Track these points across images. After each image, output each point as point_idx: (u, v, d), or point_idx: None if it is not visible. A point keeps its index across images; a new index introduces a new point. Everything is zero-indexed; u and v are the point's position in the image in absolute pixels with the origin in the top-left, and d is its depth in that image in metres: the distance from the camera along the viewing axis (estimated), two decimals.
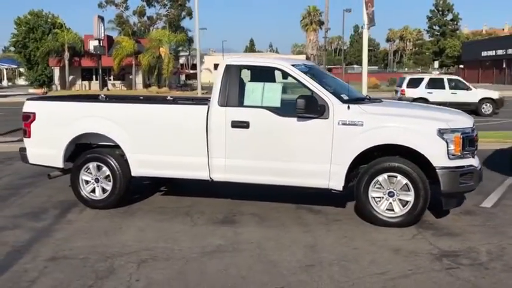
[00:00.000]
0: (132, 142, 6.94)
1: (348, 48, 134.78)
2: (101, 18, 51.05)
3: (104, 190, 7.15)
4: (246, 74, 6.88)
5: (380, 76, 60.85)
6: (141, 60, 52.00)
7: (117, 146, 7.14)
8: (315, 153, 6.30)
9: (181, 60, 70.72)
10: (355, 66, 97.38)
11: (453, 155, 6.00)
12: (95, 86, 53.44)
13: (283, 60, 6.80)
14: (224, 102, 6.57)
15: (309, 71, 6.75)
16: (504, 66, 56.03)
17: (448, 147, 5.97)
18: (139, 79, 54.40)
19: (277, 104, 6.46)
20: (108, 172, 7.07)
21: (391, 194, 6.14)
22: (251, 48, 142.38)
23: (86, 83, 54.72)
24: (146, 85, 54.25)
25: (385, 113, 6.37)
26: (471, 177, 6.10)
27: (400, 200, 6.13)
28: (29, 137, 7.42)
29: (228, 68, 6.67)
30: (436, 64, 54.75)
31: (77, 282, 4.67)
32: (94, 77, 54.97)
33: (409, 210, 6.08)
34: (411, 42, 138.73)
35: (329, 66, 73.06)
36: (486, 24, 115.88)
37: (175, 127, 6.80)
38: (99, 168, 7.13)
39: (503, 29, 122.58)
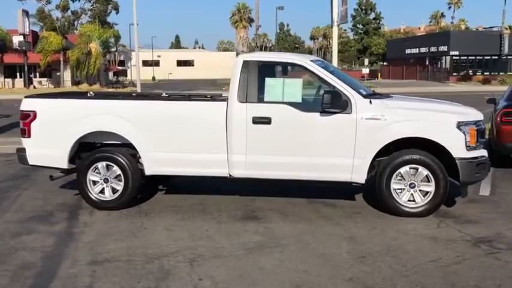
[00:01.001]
0: (146, 140, 6.75)
1: (273, 45, 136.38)
2: (26, 12, 48.70)
3: (113, 190, 6.90)
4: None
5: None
6: (69, 57, 50.15)
7: (126, 145, 6.93)
8: (338, 148, 6.42)
9: (108, 57, 68.80)
10: None
11: (469, 147, 6.33)
12: (19, 83, 51.01)
13: (302, 56, 6.87)
14: (244, 99, 6.55)
15: (325, 67, 6.86)
16: (427, 63, 59.01)
17: (465, 139, 6.28)
18: (67, 76, 52.44)
19: (299, 100, 6.52)
20: (119, 172, 6.84)
21: (412, 186, 6.38)
22: (177, 45, 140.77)
23: (9, 80, 52.03)
24: (75, 82, 52.42)
25: (406, 107, 6.61)
26: (483, 167, 6.46)
27: (420, 190, 6.37)
28: (29, 136, 7.02)
29: (246, 63, 6.65)
30: (366, 61, 56.81)
31: (138, 285, 4.52)
32: (18, 74, 52.38)
33: (430, 200, 6.34)
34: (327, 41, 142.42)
35: None
36: (404, 23, 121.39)
37: (193, 124, 6.70)
38: (108, 167, 6.88)
39: (419, 28, 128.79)
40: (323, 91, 6.35)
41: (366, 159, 6.38)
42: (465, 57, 55.05)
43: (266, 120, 6.47)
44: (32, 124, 6.98)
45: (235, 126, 6.53)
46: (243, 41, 77.72)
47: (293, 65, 6.84)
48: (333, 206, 7.05)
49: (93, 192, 6.92)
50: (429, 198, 6.35)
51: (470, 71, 53.88)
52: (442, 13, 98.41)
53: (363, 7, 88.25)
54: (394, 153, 6.43)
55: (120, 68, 70.93)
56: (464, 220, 6.31)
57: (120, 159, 6.83)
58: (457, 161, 6.25)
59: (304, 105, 6.49)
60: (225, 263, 5.00)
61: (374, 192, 6.64)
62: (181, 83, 61.00)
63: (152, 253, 5.29)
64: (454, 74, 53.98)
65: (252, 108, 6.51)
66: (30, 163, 7.14)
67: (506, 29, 60.06)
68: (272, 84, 6.65)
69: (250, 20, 77.37)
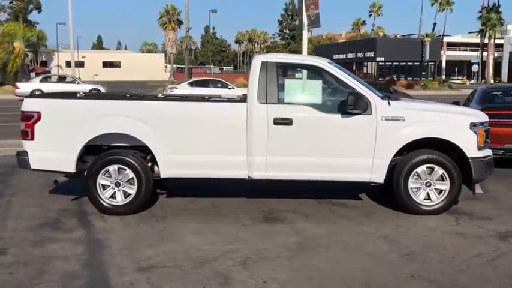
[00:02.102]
0: (163, 142, 6.55)
1: (199, 48, 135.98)
2: None
3: (125, 194, 6.64)
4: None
5: (232, 76, 62.54)
6: None
7: (135, 147, 6.69)
8: (359, 148, 6.54)
9: (30, 57, 65.60)
10: (211, 66, 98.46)
11: (479, 146, 6.66)
12: None
13: (319, 58, 6.93)
14: (264, 99, 6.52)
15: (341, 69, 6.97)
16: (354, 68, 61.01)
17: (477, 139, 6.61)
18: None
19: (319, 101, 6.59)
20: (131, 175, 6.58)
21: (428, 184, 6.61)
22: (99, 46, 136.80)
23: None
24: None
25: (422, 109, 6.85)
26: (491, 166, 6.82)
27: (436, 189, 6.62)
28: (32, 139, 6.60)
29: (265, 64, 6.62)
30: None
31: None
32: None
33: (445, 198, 6.61)
34: (259, 45, 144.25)
35: (189, 66, 73.00)
36: (326, 29, 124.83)
37: (212, 125, 6.58)
38: (120, 171, 6.60)
39: (340, 34, 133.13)
40: (347, 93, 6.43)
41: (385, 159, 6.54)
42: (390, 63, 57.54)
43: (287, 121, 6.47)
44: (36, 126, 6.57)
45: (256, 127, 6.49)
46: (172, 42, 76.81)
47: (312, 67, 6.87)
48: (344, 205, 7.16)
49: (104, 196, 6.62)
50: (444, 196, 6.61)
51: (395, 76, 56.37)
52: (363, 21, 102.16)
53: (290, 13, 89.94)
54: (410, 153, 6.63)
55: (44, 68, 67.82)
56: (478, 217, 6.62)
57: (133, 162, 6.58)
58: (470, 160, 6.55)
59: (324, 107, 6.56)
60: (279, 265, 4.95)
61: (381, 191, 6.81)
62: (109, 85, 59.20)
63: (196, 257, 5.14)
64: (380, 78, 56.20)
65: (273, 109, 6.50)
66: (32, 167, 6.70)
67: (426, 36, 63.38)
68: (292, 85, 6.69)
69: (179, 22, 76.57)
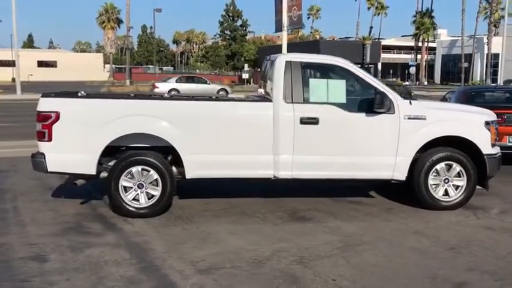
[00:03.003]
0: (189, 142, 6.43)
1: (135, 48, 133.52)
2: None
3: (148, 196, 6.47)
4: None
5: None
6: None
7: (156, 147, 6.55)
8: (383, 147, 6.70)
9: None
10: (150, 66, 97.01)
11: (492, 144, 6.98)
12: None
13: (341, 59, 7.02)
14: (290, 99, 6.54)
15: (361, 69, 7.09)
16: None
17: (490, 136, 6.92)
18: None
19: (343, 100, 6.68)
20: (156, 176, 6.42)
21: (446, 181, 6.86)
22: (30, 44, 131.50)
23: None
24: None
25: (440, 108, 7.11)
26: (500, 162, 7.16)
27: (453, 185, 6.88)
28: (49, 140, 6.30)
29: (289, 64, 6.64)
30: (246, 67, 58.07)
31: None
32: None
33: (462, 194, 6.87)
34: (197, 45, 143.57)
35: (130, 66, 71.61)
36: (264, 31, 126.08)
37: (238, 125, 6.53)
38: (143, 172, 6.43)
39: (278, 36, 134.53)
40: (374, 92, 6.56)
41: (407, 157, 6.73)
42: None
43: (314, 121, 6.53)
44: (54, 126, 6.28)
45: (283, 127, 6.50)
46: (111, 42, 75.04)
47: (335, 67, 6.95)
48: (360, 203, 7.30)
49: (126, 199, 6.41)
50: (461, 192, 6.87)
51: None
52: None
53: (230, 14, 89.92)
54: (429, 150, 6.83)
55: None
56: (493, 211, 6.95)
57: (157, 162, 6.42)
58: (485, 157, 6.85)
59: (348, 106, 6.66)
60: (336, 263, 4.99)
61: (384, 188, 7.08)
62: (45, 85, 57.08)
63: (249, 258, 5.09)
64: None
65: (299, 108, 6.53)
66: (49, 170, 6.39)
67: (363, 39, 65.27)
68: (316, 85, 6.74)
69: (119, 21, 74.94)
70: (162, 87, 33.96)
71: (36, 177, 8.70)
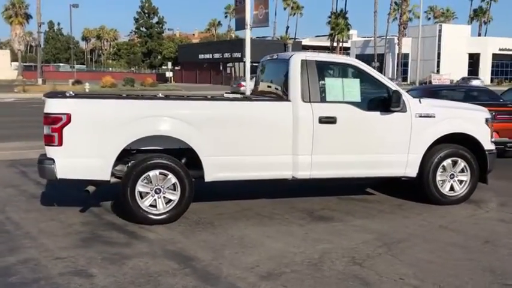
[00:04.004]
0: (208, 144, 6.20)
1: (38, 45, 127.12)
2: None
3: (165, 201, 6.17)
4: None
5: (97, 75, 60.20)
6: None
7: (170, 150, 6.27)
8: (397, 145, 6.82)
9: None
10: (61, 64, 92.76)
11: (490, 140, 7.33)
12: None
13: (351, 58, 7.05)
14: (308, 98, 6.49)
15: (372, 68, 7.17)
16: (221, 68, 61.91)
17: (490, 133, 7.26)
18: None
19: (358, 99, 6.73)
20: (174, 180, 6.12)
21: (451, 176, 7.11)
22: None
23: None
24: None
25: (445, 106, 7.34)
26: (496, 157, 7.53)
27: (458, 180, 7.14)
28: (60, 144, 5.83)
29: (305, 63, 6.59)
30: (169, 65, 56.94)
31: None
32: None
33: (466, 188, 7.15)
34: (108, 42, 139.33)
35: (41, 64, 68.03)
36: (178, 28, 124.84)
37: (257, 125, 6.39)
38: (162, 176, 6.12)
39: (193, 34, 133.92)
40: (388, 91, 6.66)
41: (418, 154, 6.90)
42: (256, 64, 59.14)
43: (332, 120, 6.52)
44: (65, 129, 5.81)
45: (302, 127, 6.44)
46: (19, 38, 70.97)
47: (347, 65, 6.97)
48: (366, 200, 7.42)
49: (143, 205, 6.07)
50: (465, 186, 7.16)
51: None
52: (219, 21, 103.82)
53: (146, 11, 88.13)
54: (436, 147, 7.04)
55: None
56: (496, 204, 7.29)
57: (176, 166, 6.13)
58: (486, 152, 7.18)
59: (363, 105, 6.71)
60: (390, 261, 4.99)
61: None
62: None
63: (302, 261, 4.98)
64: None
65: (317, 108, 6.50)
66: (59, 176, 5.89)
67: (283, 38, 66.51)
68: (332, 84, 6.73)
69: (27, 16, 71.07)
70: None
71: (9, 184, 8.15)
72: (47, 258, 5.01)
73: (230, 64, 61.43)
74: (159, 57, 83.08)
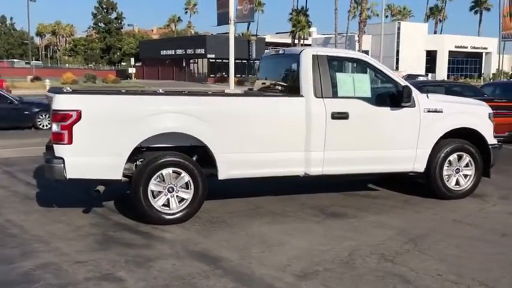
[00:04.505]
0: (222, 141, 6.03)
1: None
2: None
3: (178, 200, 5.97)
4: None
5: (56, 71, 58.65)
6: None
7: (181, 147, 6.08)
8: (406, 140, 6.81)
9: None
10: (15, 60, 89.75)
11: (493, 135, 7.42)
12: None
13: (361, 53, 6.98)
14: (320, 94, 6.40)
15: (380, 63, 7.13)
16: (184, 64, 61.17)
17: (492, 127, 7.36)
18: None
19: (369, 94, 6.68)
20: (187, 178, 5.93)
21: (457, 171, 7.17)
22: None
23: None
24: None
25: (451, 101, 7.37)
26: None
27: (463, 175, 7.21)
28: (69, 143, 5.54)
29: (316, 58, 6.50)
30: (132, 61, 55.71)
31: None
32: None
33: (470, 182, 7.23)
34: (64, 38, 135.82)
35: None
36: (137, 24, 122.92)
37: (271, 121, 6.25)
38: (175, 175, 5.92)
39: (152, 30, 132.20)
40: (397, 86, 6.64)
41: (426, 149, 6.92)
42: (220, 60, 58.87)
43: (344, 115, 6.45)
44: (75, 127, 5.53)
45: (315, 122, 6.34)
46: None
47: (357, 60, 6.92)
48: (370, 196, 7.43)
49: (156, 205, 5.85)
50: (470, 181, 7.22)
51: (224, 73, 57.85)
52: (179, 17, 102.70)
53: (104, 6, 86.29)
54: (441, 142, 7.06)
55: None
56: (499, 198, 7.35)
57: (189, 164, 5.95)
58: (490, 147, 7.27)
59: (373, 100, 6.67)
60: (420, 257, 4.95)
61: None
62: None
63: (332, 259, 4.88)
64: (212, 75, 57.29)
65: (329, 103, 6.42)
66: (69, 176, 5.60)
67: (244, 35, 66.36)
68: (344, 79, 6.65)
69: None
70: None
71: None
72: (66, 262, 4.75)
73: (193, 60, 60.87)
74: (118, 53, 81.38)
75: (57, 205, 6.74)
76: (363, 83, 6.69)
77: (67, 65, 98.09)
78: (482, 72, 76.90)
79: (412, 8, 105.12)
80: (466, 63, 79.19)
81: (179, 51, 62.15)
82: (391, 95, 6.66)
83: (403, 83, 6.77)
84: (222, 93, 7.12)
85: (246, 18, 12.10)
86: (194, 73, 60.94)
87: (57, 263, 4.73)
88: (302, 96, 6.39)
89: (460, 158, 7.14)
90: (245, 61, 59.46)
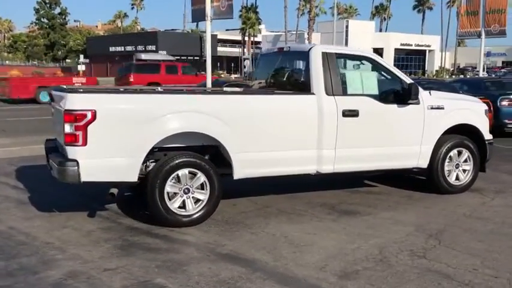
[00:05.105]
0: (237, 140, 5.91)
1: None
2: None
3: (194, 201, 5.82)
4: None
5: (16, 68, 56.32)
6: None
7: (192, 147, 5.93)
8: (412, 136, 6.90)
9: None
10: None
11: (488, 131, 7.64)
12: None
13: (367, 50, 7.00)
14: (331, 91, 6.39)
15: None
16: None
17: (488, 123, 7.57)
18: None
19: (376, 92, 6.72)
20: (203, 179, 5.79)
21: (457, 166, 7.33)
22: None
23: None
24: None
25: (452, 97, 7.53)
26: None
27: (463, 169, 7.38)
28: (84, 144, 5.28)
29: (325, 55, 6.47)
30: (82, 57, 53.77)
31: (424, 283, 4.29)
32: None
33: (469, 177, 7.40)
34: (2, 34, 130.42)
35: None
36: (81, 20, 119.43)
37: (285, 119, 6.18)
38: (190, 175, 5.75)
39: (96, 26, 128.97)
40: (407, 84, 6.69)
41: (430, 145, 7.03)
42: (172, 57, 57.89)
43: (354, 113, 6.46)
44: (90, 127, 5.27)
45: (327, 120, 6.32)
46: None
47: (364, 58, 6.93)
48: (373, 192, 7.49)
49: (172, 207, 5.68)
50: (468, 175, 7.40)
51: None
52: (125, 13, 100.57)
53: (47, 1, 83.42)
54: (441, 138, 7.19)
55: None
56: (495, 192, 7.50)
57: (205, 164, 5.80)
58: (486, 142, 7.47)
59: (381, 97, 6.70)
60: (450, 253, 4.99)
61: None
62: None
63: (365, 257, 4.85)
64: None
65: (340, 101, 6.41)
66: (83, 179, 5.33)
67: (194, 31, 65.72)
68: (352, 77, 6.67)
69: None
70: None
71: None
72: (95, 270, 4.52)
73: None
74: (63, 50, 78.84)
75: (57, 209, 6.42)
76: (370, 80, 6.72)
77: (7, 62, 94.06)
78: (426, 69, 79.55)
79: (358, 7, 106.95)
80: (410, 60, 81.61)
81: (129, 48, 60.77)
82: (398, 92, 6.72)
83: (408, 80, 6.84)
84: (236, 92, 6.98)
85: (224, 15, 11.88)
86: None
87: (84, 271, 4.49)
88: (313, 94, 6.34)
89: (459, 153, 7.30)
90: (197, 58, 58.91)
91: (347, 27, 74.12)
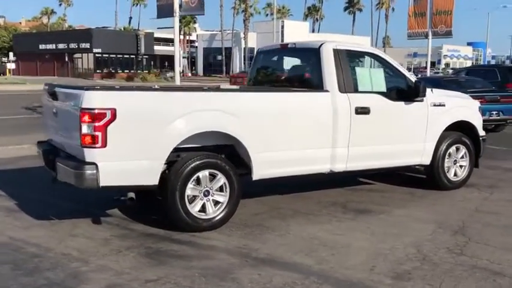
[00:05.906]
0: (257, 139, 5.68)
1: None
2: None
3: (213, 203, 5.55)
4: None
5: None
6: None
7: (207, 147, 5.66)
8: (418, 133, 6.92)
9: None
10: None
11: (482, 127, 7.81)
12: None
13: (373, 47, 6.94)
14: (343, 89, 6.29)
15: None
16: (66, 59, 57.56)
17: (481, 120, 7.75)
18: None
19: (384, 89, 6.68)
20: (223, 180, 5.52)
21: (455, 162, 7.44)
22: None
23: None
24: None
25: (450, 95, 7.60)
26: None
27: (460, 166, 7.50)
28: (103, 146, 4.86)
29: (337, 52, 6.36)
30: (11, 56, 50.74)
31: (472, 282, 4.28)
32: None
33: (465, 173, 7.54)
34: None
35: None
36: (4, 16, 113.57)
37: (302, 117, 6.01)
38: (210, 177, 5.47)
39: (20, 23, 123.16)
40: (412, 81, 6.70)
41: (432, 142, 7.09)
42: (107, 55, 56.30)
43: (366, 110, 6.39)
44: (109, 128, 4.86)
45: (341, 118, 6.21)
46: None
47: (371, 54, 6.85)
48: (377, 190, 7.46)
49: (193, 211, 5.37)
50: (465, 171, 7.54)
51: (112, 69, 55.54)
52: (52, 10, 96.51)
53: None
54: (442, 134, 7.26)
55: None
56: (490, 187, 7.65)
57: (225, 164, 5.53)
58: (480, 138, 7.64)
59: (389, 94, 6.67)
60: (485, 248, 4.97)
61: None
62: None
63: (403, 257, 4.75)
64: (98, 71, 54.58)
65: (353, 98, 6.31)
66: (102, 184, 4.90)
67: (126, 29, 64.19)
68: (362, 74, 6.60)
69: None
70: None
71: None
72: (134, 282, 4.17)
73: (78, 55, 57.64)
74: None
75: (55, 217, 5.93)
76: (379, 78, 6.68)
77: None
78: None
79: (290, 7, 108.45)
80: None
81: (61, 46, 58.38)
82: (405, 90, 6.71)
83: (413, 78, 6.86)
84: (254, 89, 6.70)
85: (195, 11, 11.43)
86: (78, 68, 57.56)
87: (124, 284, 4.13)
88: (327, 91, 6.21)
89: (457, 149, 7.41)
90: (133, 56, 57.58)
91: (283, 27, 74.76)
